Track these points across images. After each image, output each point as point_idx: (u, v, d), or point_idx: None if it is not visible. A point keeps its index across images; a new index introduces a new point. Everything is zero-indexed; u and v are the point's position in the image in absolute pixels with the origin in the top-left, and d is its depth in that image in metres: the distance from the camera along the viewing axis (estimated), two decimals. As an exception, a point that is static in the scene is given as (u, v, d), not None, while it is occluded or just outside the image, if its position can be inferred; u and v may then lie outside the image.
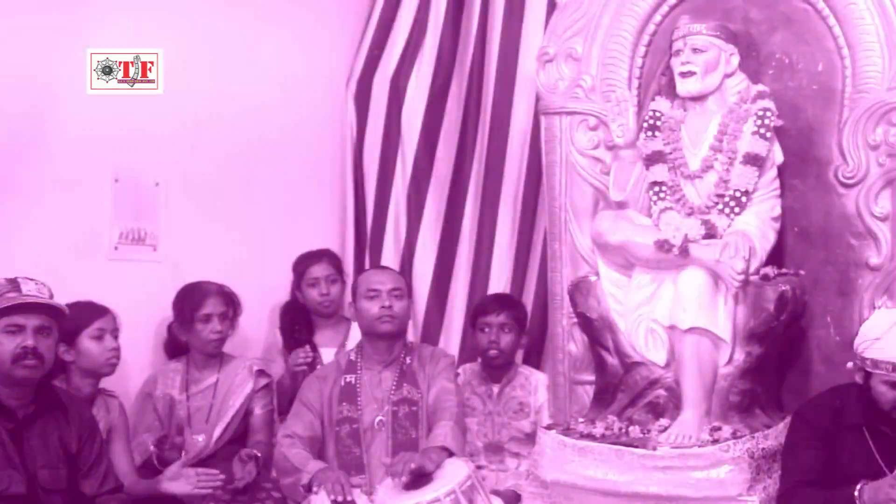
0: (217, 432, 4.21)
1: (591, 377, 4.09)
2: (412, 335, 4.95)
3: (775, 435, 3.64)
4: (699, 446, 3.53)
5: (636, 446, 3.60)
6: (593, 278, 4.00)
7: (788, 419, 3.77)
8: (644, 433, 3.69)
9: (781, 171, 3.89)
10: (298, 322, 4.65)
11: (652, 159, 3.92)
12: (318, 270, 4.65)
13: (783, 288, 3.72)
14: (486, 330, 4.38)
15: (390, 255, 5.07)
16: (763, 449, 3.55)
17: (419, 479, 3.56)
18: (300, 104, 5.07)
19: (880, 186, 3.77)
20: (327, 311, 4.65)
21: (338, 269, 4.72)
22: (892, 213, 3.76)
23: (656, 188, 3.91)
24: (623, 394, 3.89)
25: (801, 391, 3.89)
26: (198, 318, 4.22)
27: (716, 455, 3.48)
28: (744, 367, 3.72)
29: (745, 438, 3.54)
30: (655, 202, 3.91)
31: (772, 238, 3.84)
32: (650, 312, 3.84)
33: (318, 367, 4.36)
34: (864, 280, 3.81)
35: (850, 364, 3.46)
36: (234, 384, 4.27)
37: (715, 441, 3.53)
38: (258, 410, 4.29)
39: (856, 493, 3.24)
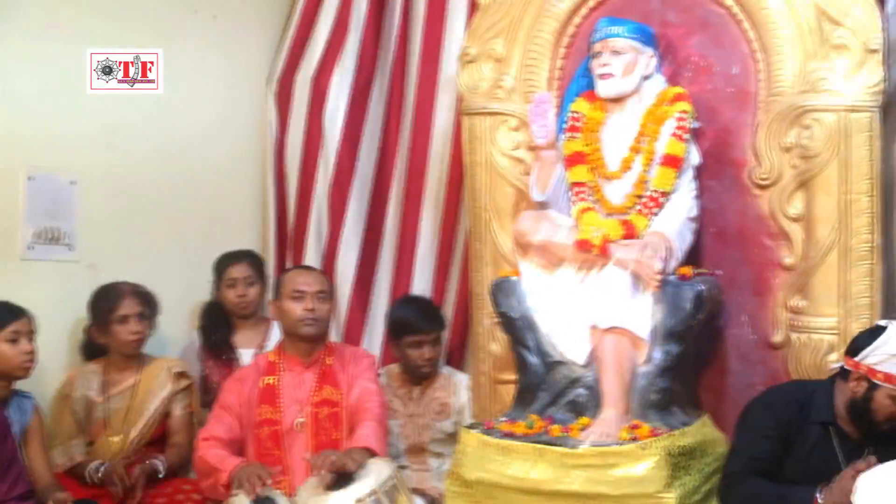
0: (133, 434, 4.15)
1: (513, 376, 4.09)
2: (334, 335, 4.93)
3: (693, 433, 3.69)
4: (619, 444, 3.56)
5: (557, 445, 3.62)
6: (515, 278, 4.02)
7: (706, 417, 3.84)
8: (565, 432, 3.71)
9: (699, 173, 3.95)
10: (218, 323, 4.60)
11: (572, 160, 3.96)
12: (237, 271, 4.61)
13: (700, 287, 3.78)
14: (421, 347, 4.35)
15: (312, 255, 5.03)
16: (681, 447, 3.59)
17: (341, 479, 3.55)
18: (220, 102, 5.02)
19: (793, 188, 3.85)
20: (244, 312, 4.61)
21: (258, 270, 4.68)
22: (805, 215, 3.84)
23: (576, 188, 3.94)
24: (544, 393, 3.92)
25: (718, 389, 3.96)
26: (114, 319, 4.16)
27: (635, 453, 3.51)
28: (662, 366, 3.77)
29: (664, 436, 3.57)
30: (576, 202, 3.94)
31: (689, 238, 3.90)
32: (571, 312, 3.86)
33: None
34: (779, 280, 3.89)
35: (834, 365, 3.55)
36: (153, 386, 4.22)
37: (634, 439, 3.57)
38: (178, 412, 4.24)
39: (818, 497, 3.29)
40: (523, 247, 3.95)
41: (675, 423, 3.75)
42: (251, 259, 4.69)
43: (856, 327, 3.74)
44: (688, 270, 3.84)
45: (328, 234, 5.01)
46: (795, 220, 3.87)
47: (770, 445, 3.50)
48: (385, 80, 4.95)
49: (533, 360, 3.95)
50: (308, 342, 3.97)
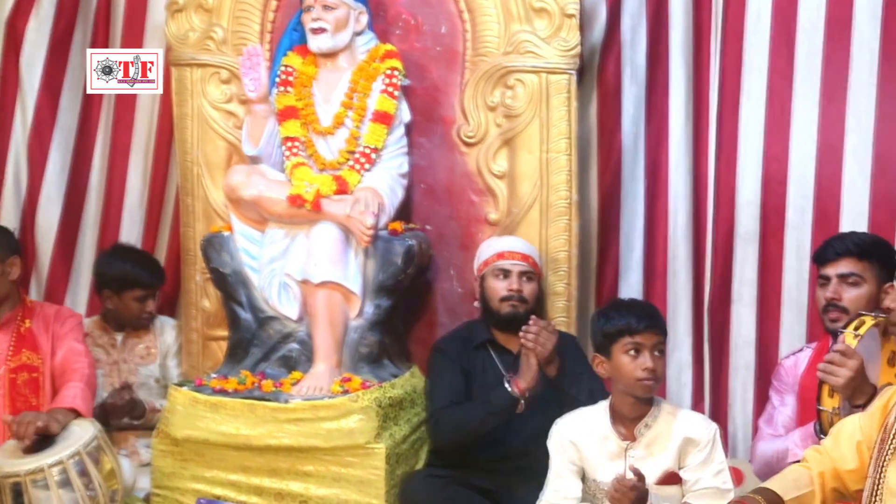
0: None
1: (225, 333, 4.08)
2: (35, 292, 4.71)
3: (402, 384, 3.80)
4: (330, 398, 3.62)
5: (269, 400, 3.64)
6: (226, 233, 3.98)
7: (415, 368, 3.95)
8: (277, 386, 3.73)
9: (409, 130, 4.03)
10: None
11: (284, 115, 3.94)
12: None
13: (410, 243, 3.87)
14: (145, 301, 4.20)
15: (10, 209, 4.77)
16: (390, 398, 3.69)
17: (43, 441, 3.40)
18: None
19: (498, 146, 4.00)
20: None
21: None
22: (509, 172, 4.00)
23: (289, 143, 3.93)
24: (256, 348, 3.92)
25: (427, 342, 4.05)
26: None
27: (345, 405, 3.58)
28: (373, 320, 3.85)
29: (374, 388, 3.66)
30: (288, 157, 3.93)
31: (400, 194, 3.97)
32: (283, 267, 3.88)
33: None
34: (484, 234, 4.03)
35: (476, 303, 3.81)
36: None
37: (345, 392, 3.64)
38: None
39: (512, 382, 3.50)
40: (235, 201, 3.92)
41: (386, 375, 3.85)
42: None
43: (553, 280, 3.96)
44: (398, 226, 3.93)
45: (28, 187, 4.76)
46: (500, 177, 4.03)
47: (456, 379, 3.69)
48: (88, 27, 4.71)
49: (245, 315, 3.94)
50: None
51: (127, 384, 4.13)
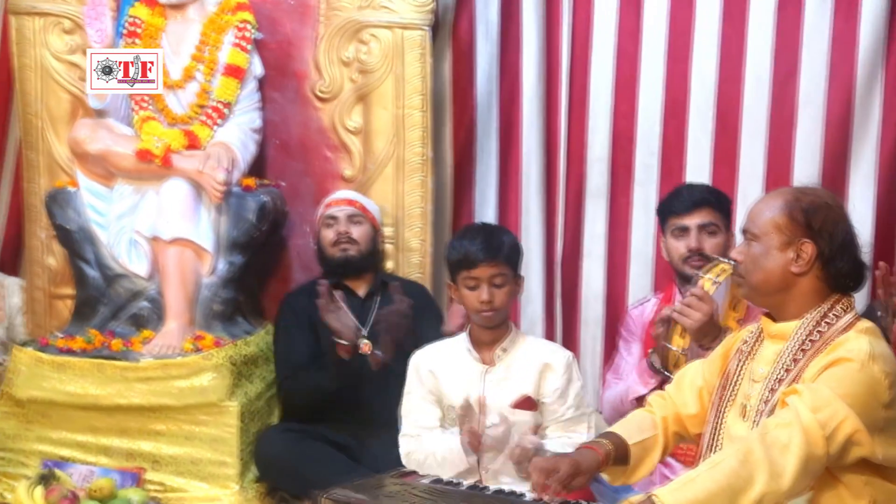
0: None
1: (72, 291, 3.98)
2: None
3: (256, 342, 3.78)
4: (182, 356, 3.57)
5: (118, 359, 3.58)
6: (72, 189, 3.88)
7: (269, 325, 3.93)
8: (127, 345, 3.66)
9: (262, 84, 3.98)
10: None
11: (133, 67, 3.84)
12: None
13: (264, 199, 3.85)
14: None
15: None
16: (244, 355, 3.67)
17: None
18: None
19: (353, 102, 3.99)
20: None
21: None
22: (363, 128, 3.99)
23: (137, 97, 3.84)
24: (105, 307, 3.84)
25: (281, 298, 4.03)
26: None
27: (198, 363, 3.54)
28: (226, 277, 3.82)
29: (227, 346, 3.63)
30: (136, 111, 3.85)
31: (253, 149, 3.93)
32: (133, 224, 3.80)
33: None
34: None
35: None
36: None
37: (197, 350, 3.60)
38: None
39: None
40: (81, 156, 3.82)
41: (239, 332, 3.82)
42: None
43: (409, 236, 3.99)
44: (251, 182, 3.90)
45: None
46: (355, 133, 4.02)
47: (304, 337, 3.66)
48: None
49: (92, 273, 3.86)
50: None
51: None
